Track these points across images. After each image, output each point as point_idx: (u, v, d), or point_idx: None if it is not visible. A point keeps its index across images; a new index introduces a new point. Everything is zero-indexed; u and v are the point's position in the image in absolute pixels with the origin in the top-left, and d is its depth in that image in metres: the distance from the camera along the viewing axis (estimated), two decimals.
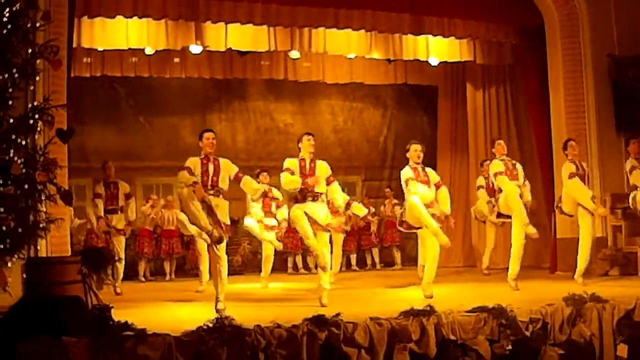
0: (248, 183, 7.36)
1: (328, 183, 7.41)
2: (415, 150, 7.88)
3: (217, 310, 6.70)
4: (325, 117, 14.55)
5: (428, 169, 8.04)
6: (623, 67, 10.40)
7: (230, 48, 10.59)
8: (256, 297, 8.83)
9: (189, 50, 10.68)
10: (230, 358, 5.20)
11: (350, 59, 12.02)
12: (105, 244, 9.59)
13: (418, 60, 11.72)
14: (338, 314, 5.67)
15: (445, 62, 12.07)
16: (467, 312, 6.08)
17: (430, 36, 11.09)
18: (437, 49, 11.53)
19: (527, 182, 9.15)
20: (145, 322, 5.50)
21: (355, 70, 12.68)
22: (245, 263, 12.82)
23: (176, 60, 11.61)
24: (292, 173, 7.20)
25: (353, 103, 14.65)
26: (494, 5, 10.63)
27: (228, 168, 7.21)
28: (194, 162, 7.04)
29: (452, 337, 5.84)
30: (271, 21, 9.98)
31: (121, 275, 9.45)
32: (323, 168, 7.43)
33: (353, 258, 13.18)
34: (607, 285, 8.13)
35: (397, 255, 13.23)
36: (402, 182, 7.84)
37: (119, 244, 9.49)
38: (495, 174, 8.65)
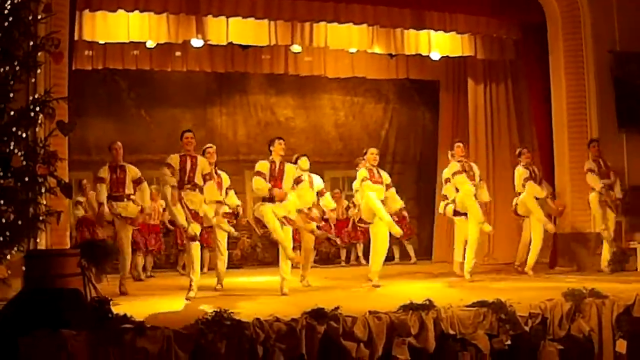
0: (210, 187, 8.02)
1: (297, 182, 8.18)
2: (372, 154, 8.70)
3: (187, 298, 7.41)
4: (327, 111, 14.54)
5: (382, 171, 8.80)
6: (625, 63, 10.38)
7: (231, 42, 10.59)
8: (255, 290, 8.83)
9: (190, 43, 10.68)
10: (229, 351, 5.20)
11: (351, 53, 12.03)
12: (97, 234, 9.05)
13: (420, 55, 11.71)
14: (337, 308, 5.65)
15: (447, 56, 12.05)
16: (466, 306, 6.07)
17: (431, 31, 11.08)
18: (438, 44, 11.53)
19: (482, 182, 9.67)
20: (144, 315, 5.51)
21: (357, 64, 12.66)
22: (245, 257, 12.85)
23: (177, 53, 11.60)
24: (265, 177, 7.75)
25: (354, 98, 14.65)
26: (495, 1, 10.62)
27: (203, 166, 7.93)
28: (174, 159, 7.72)
29: (451, 332, 5.83)
30: (272, 15, 9.99)
31: (128, 269, 8.76)
32: (291, 170, 8.00)
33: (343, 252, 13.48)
34: (606, 280, 8.13)
35: (396, 250, 13.23)
36: (358, 180, 8.58)
37: (125, 235, 8.63)
38: (454, 174, 9.25)
